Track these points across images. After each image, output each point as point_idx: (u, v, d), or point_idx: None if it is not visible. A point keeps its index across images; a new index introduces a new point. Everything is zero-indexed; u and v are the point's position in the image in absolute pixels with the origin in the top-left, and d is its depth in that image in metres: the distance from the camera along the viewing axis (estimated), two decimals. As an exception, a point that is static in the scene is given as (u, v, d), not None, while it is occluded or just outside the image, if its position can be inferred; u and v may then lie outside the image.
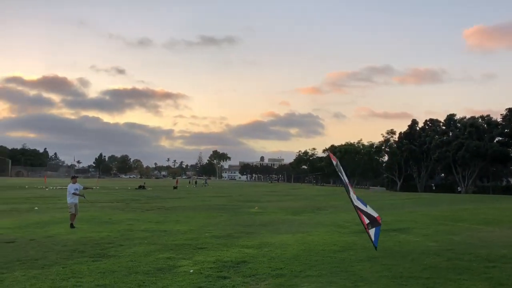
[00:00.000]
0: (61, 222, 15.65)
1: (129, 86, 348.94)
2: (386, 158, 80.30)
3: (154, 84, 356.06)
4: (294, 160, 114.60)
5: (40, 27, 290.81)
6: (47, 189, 53.03)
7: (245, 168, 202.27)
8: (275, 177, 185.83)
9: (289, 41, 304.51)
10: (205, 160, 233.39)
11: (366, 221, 9.79)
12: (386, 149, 77.68)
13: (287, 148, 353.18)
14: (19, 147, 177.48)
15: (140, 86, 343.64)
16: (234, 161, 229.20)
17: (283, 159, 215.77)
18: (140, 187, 61.68)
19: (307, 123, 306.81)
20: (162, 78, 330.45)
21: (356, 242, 11.67)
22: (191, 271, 8.02)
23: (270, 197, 39.71)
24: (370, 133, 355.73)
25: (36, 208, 23.55)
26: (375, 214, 10.01)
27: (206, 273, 7.83)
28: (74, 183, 15.40)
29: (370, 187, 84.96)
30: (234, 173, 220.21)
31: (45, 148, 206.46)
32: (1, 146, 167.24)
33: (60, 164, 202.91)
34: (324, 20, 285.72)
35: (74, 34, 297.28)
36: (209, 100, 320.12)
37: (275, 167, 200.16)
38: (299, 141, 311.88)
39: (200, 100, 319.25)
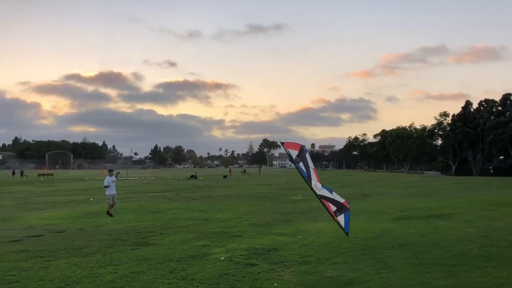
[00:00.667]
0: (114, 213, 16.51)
1: (180, 78, 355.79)
2: (439, 141, 77.42)
3: (205, 75, 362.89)
4: (344, 146, 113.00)
5: (94, 25, 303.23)
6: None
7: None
8: (326, 163, 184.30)
9: (338, 24, 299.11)
10: (255, 149, 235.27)
11: (333, 208, 9.45)
12: (439, 132, 74.81)
13: (338, 134, 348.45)
14: (79, 140, 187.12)
15: (191, 78, 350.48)
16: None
17: (334, 146, 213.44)
18: (191, 176, 63.36)
19: (359, 108, 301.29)
20: (212, 69, 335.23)
21: (393, 229, 11.58)
22: (222, 258, 8.35)
23: (317, 184, 39.62)
24: (425, 116, 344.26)
25: (91, 199, 24.85)
26: (341, 200, 9.71)
27: (235, 260, 8.13)
28: (110, 176, 16.40)
29: (425, 172, 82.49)
30: (285, 160, 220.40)
31: (104, 141, 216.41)
32: (64, 141, 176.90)
33: (118, 156, 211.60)
34: (374, 0, 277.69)
35: (126, 30, 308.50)
36: (258, 88, 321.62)
37: (326, 154, 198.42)
38: (351, 126, 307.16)
39: (250, 89, 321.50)
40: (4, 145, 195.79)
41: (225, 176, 62.73)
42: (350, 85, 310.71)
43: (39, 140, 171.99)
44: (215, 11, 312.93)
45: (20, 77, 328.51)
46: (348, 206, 9.75)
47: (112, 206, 15.85)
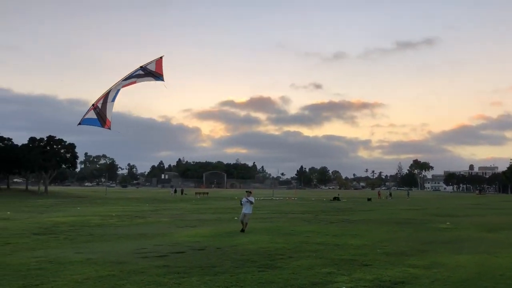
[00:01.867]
0: (248, 232, 17.35)
1: (326, 99, 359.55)
2: None
3: (350, 96, 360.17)
4: (508, 168, 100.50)
5: (244, 53, 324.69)
6: (251, 200, 58.64)
7: (450, 178, 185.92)
8: (482, 187, 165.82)
9: (498, 33, 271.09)
10: (405, 170, 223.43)
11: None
12: None
13: (502, 154, 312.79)
14: (233, 161, 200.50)
15: (336, 99, 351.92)
16: (438, 170, 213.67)
17: (496, 167, 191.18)
18: (334, 198, 62.95)
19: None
20: (358, 89, 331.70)
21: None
22: (344, 287, 8.20)
23: (471, 210, 35.95)
24: None
25: (236, 218, 26.22)
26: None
27: (357, 291, 7.91)
28: (247, 196, 17.80)
29: None
30: (438, 183, 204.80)
31: (254, 162, 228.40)
32: (219, 162, 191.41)
33: (267, 176, 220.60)
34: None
35: (274, 56, 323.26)
36: (407, 106, 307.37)
37: (487, 176, 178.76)
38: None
39: (398, 107, 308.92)
40: (170, 166, 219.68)
41: (369, 199, 60.86)
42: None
43: (198, 161, 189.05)
44: (361, 30, 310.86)
45: (183, 105, 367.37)
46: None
47: (242, 223, 17.31)
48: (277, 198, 65.85)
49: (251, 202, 17.81)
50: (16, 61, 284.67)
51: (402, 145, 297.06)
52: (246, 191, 18.62)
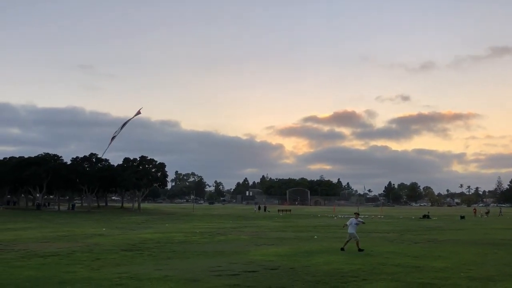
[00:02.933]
0: (325, 252, 17.11)
1: (414, 112, 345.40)
2: None
3: (441, 107, 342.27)
4: None
5: (327, 67, 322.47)
6: (335, 218, 57.57)
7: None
8: None
9: None
10: (505, 185, 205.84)
11: None
12: None
13: None
14: (316, 178, 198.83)
15: (425, 111, 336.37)
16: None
17: None
18: (424, 216, 59.75)
19: None
20: (449, 100, 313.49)
21: None
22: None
23: None
24: None
25: (315, 236, 26.04)
26: None
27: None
28: (356, 218, 18.22)
29: None
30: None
31: (339, 179, 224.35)
32: (302, 178, 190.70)
33: (352, 193, 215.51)
34: None
35: (358, 69, 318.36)
36: (506, 116, 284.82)
37: None
38: None
39: (495, 117, 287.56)
40: (254, 183, 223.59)
41: (462, 217, 56.90)
42: None
43: (281, 177, 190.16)
44: (450, 38, 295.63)
45: (267, 122, 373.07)
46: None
47: (347, 242, 17.91)
48: (362, 216, 63.86)
49: (362, 223, 19.08)
50: (114, 87, 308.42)
51: (501, 158, 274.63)
52: (355, 213, 19.24)
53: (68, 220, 45.80)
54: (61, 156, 71.69)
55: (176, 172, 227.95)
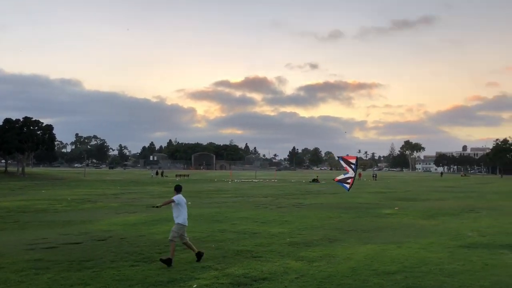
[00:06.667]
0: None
1: (321, 80, 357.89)
2: None
3: (347, 76, 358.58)
4: (491, 149, 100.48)
5: (239, 32, 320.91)
6: (229, 182, 58.28)
7: (441, 159, 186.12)
8: (475, 168, 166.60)
9: (496, 12, 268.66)
10: (397, 151, 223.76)
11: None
12: None
13: (498, 135, 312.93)
14: (227, 142, 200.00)
15: (332, 80, 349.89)
16: (431, 151, 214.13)
17: (488, 148, 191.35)
18: (313, 180, 62.66)
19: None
20: (355, 69, 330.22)
21: (433, 260, 9.64)
22: (195, 286, 7.82)
23: (437, 194, 35.68)
24: None
25: (189, 203, 25.86)
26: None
27: (206, 289, 7.53)
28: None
29: None
30: (430, 164, 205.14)
31: (246, 143, 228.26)
32: (210, 143, 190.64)
33: (258, 158, 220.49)
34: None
35: (269, 36, 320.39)
36: (405, 87, 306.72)
37: (477, 157, 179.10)
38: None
39: (395, 88, 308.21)
40: (161, 147, 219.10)
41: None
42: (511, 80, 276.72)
43: (192, 142, 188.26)
44: (356, 10, 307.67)
45: (177, 85, 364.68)
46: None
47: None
48: (257, 180, 65.46)
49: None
50: (4, 39, 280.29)
51: (397, 126, 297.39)
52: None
53: None
54: None
55: (77, 134, 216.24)
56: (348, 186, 24.03)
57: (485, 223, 16.50)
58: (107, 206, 23.48)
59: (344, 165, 24.10)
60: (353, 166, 23.65)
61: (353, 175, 23.73)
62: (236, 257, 10.27)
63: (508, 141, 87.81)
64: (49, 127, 66.67)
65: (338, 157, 25.66)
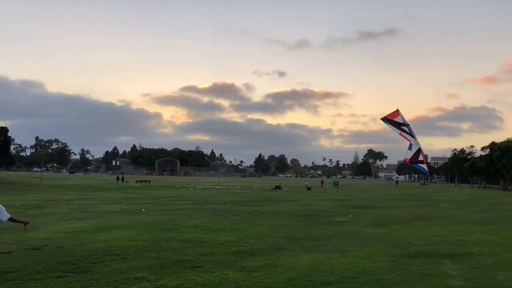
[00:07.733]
0: (125, 227, 16.37)
1: (289, 88, 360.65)
2: None
3: (313, 85, 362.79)
4: (449, 159, 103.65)
5: (207, 38, 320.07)
6: (191, 189, 57.49)
7: (403, 168, 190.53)
8: (434, 176, 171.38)
9: (456, 27, 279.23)
10: (361, 159, 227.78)
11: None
12: None
13: (458, 145, 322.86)
14: (193, 148, 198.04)
15: (299, 88, 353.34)
16: (393, 160, 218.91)
17: (447, 158, 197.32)
18: (276, 187, 62.78)
19: (481, 117, 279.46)
20: (321, 78, 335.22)
21: (373, 270, 9.54)
22: (120, 298, 7.40)
23: (393, 202, 36.26)
24: None
25: (143, 209, 25.21)
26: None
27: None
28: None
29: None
30: (391, 173, 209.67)
31: (212, 150, 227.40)
32: (175, 149, 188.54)
33: (222, 164, 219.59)
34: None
35: (238, 42, 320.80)
36: (369, 97, 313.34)
37: (437, 166, 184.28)
38: (472, 137, 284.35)
39: (360, 97, 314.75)
40: (125, 152, 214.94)
41: (309, 188, 60.94)
42: (470, 92, 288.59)
43: (157, 147, 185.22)
44: (323, 20, 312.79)
45: (143, 89, 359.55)
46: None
47: None
48: (219, 187, 64.89)
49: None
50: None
51: (362, 134, 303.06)
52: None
53: None
54: None
55: (37, 138, 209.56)
56: (425, 166, 18.18)
57: (433, 231, 16.69)
58: (55, 213, 22.55)
59: (398, 131, 17.75)
60: (405, 128, 17.58)
61: (416, 143, 17.79)
62: (174, 267, 9.87)
63: (465, 151, 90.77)
64: (4, 129, 64.08)
65: (382, 118, 17.67)
